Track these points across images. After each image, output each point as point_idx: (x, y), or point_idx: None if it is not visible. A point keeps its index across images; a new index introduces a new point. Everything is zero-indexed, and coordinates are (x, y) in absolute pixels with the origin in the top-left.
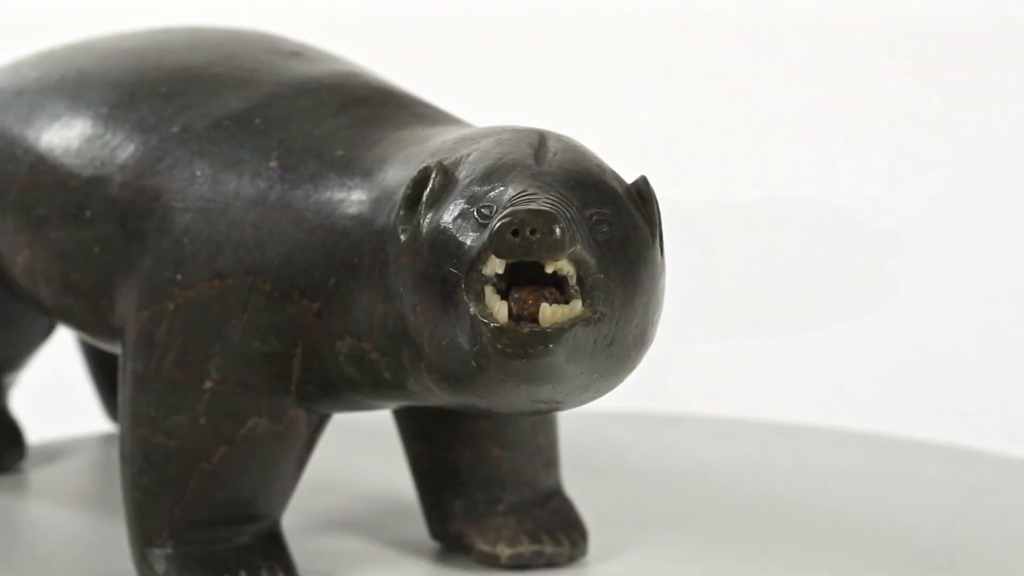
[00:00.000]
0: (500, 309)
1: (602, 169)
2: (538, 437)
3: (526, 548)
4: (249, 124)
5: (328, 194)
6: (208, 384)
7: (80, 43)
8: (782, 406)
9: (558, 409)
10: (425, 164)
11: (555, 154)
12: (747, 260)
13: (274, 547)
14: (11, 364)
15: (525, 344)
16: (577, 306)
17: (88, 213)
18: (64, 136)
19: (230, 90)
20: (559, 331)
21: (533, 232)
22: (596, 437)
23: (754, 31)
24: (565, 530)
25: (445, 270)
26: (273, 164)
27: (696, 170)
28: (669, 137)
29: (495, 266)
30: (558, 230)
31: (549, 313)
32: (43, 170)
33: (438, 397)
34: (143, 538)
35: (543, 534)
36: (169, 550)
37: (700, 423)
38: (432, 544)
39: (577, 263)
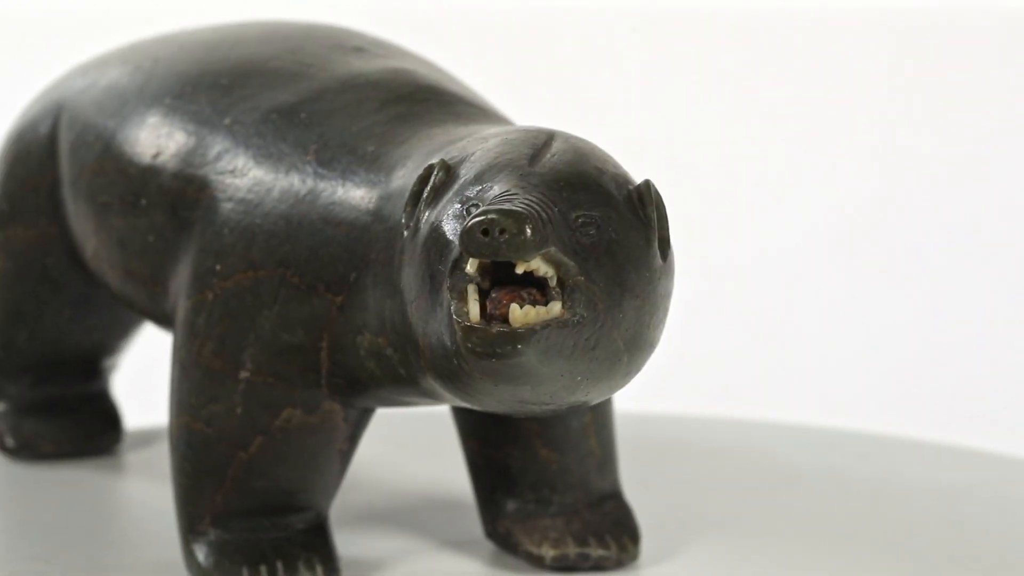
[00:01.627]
0: (473, 308)
1: (600, 172)
2: (589, 440)
3: (571, 550)
4: (294, 118)
5: (354, 189)
6: (244, 374)
7: (167, 34)
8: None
9: (550, 410)
10: (430, 161)
11: (554, 155)
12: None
13: (316, 539)
14: (105, 348)
15: (494, 344)
16: (555, 308)
17: (143, 202)
18: (128, 125)
19: (283, 84)
20: (529, 332)
21: (502, 232)
22: (658, 440)
23: (755, 30)
24: (614, 533)
25: (435, 268)
26: (309, 158)
27: (695, 170)
28: (668, 136)
29: (473, 265)
30: (528, 231)
31: (519, 314)
32: (108, 157)
33: (444, 396)
34: (186, 524)
35: (590, 536)
36: (210, 537)
37: (760, 428)
38: (485, 544)
39: (556, 265)
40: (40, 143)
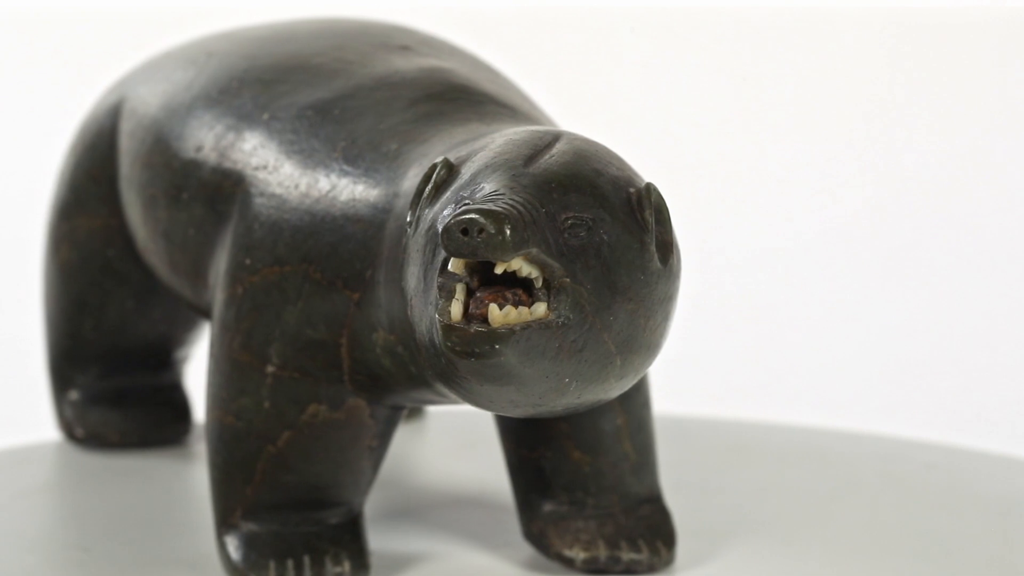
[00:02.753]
0: (454, 307)
1: (598, 174)
2: (623, 443)
3: (602, 552)
4: (328, 114)
5: (374, 186)
6: (270, 368)
7: (228, 30)
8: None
9: (544, 412)
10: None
11: (552, 156)
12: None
13: (346, 535)
14: (173, 340)
15: (472, 343)
16: (540, 309)
17: (185, 195)
18: (176, 118)
19: (322, 81)
20: (508, 333)
21: (481, 231)
22: (699, 444)
23: (755, 30)
24: (647, 538)
25: (428, 266)
26: (337, 155)
27: (695, 170)
28: (668, 136)
29: (456, 264)
30: (507, 231)
31: (498, 314)
32: (156, 150)
33: (449, 396)
34: (219, 517)
35: (622, 540)
36: (241, 530)
37: (804, 433)
38: (520, 545)
39: (541, 266)
40: (103, 135)
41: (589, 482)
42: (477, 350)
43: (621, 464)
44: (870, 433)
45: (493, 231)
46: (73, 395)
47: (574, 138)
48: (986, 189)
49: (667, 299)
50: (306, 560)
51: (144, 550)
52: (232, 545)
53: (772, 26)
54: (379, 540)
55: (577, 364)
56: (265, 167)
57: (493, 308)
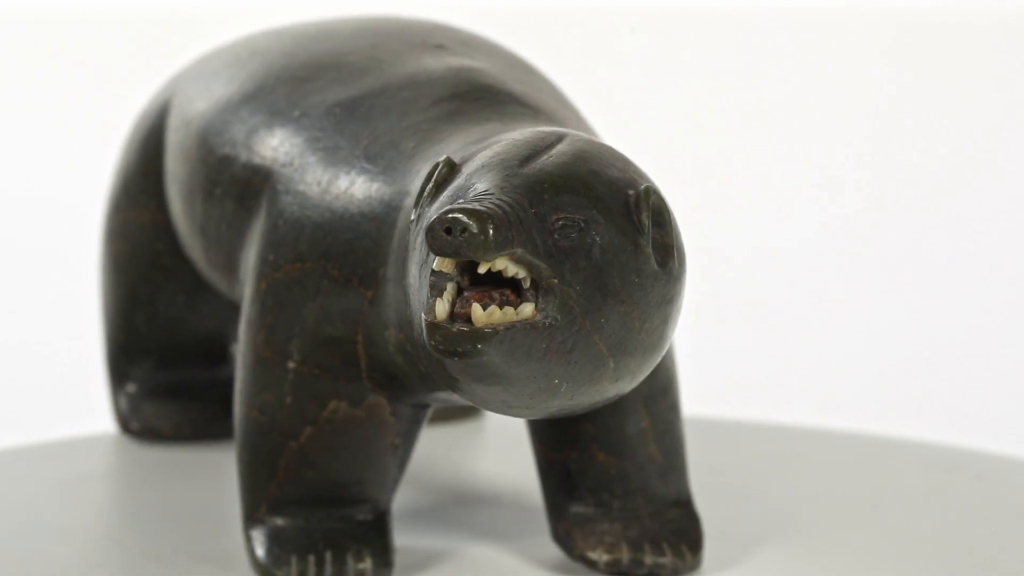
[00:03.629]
0: (439, 306)
1: (595, 175)
2: (648, 446)
3: (624, 555)
4: (355, 112)
5: (389, 184)
6: (291, 364)
7: (278, 27)
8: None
9: (538, 413)
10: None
11: (550, 157)
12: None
13: (370, 532)
14: (226, 335)
15: (454, 342)
16: (526, 309)
17: (218, 191)
18: (214, 113)
19: (353, 79)
20: (491, 332)
21: (464, 231)
22: (739, 448)
23: (755, 30)
24: (672, 541)
25: (423, 264)
26: (359, 152)
27: (694, 170)
28: (667, 136)
29: (441, 263)
30: (490, 230)
31: (481, 314)
32: (195, 145)
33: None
34: (246, 512)
35: (646, 543)
36: (266, 525)
37: (848, 439)
38: (547, 546)
39: (527, 266)
40: (152, 130)
41: (615, 484)
42: (459, 349)
43: (647, 467)
44: (913, 440)
45: (476, 230)
46: (129, 388)
47: (577, 139)
48: (986, 189)
49: (666, 302)
50: (328, 556)
51: (175, 543)
52: (257, 540)
53: (772, 26)
54: (410, 538)
55: (567, 365)
56: (291, 164)
57: (476, 308)
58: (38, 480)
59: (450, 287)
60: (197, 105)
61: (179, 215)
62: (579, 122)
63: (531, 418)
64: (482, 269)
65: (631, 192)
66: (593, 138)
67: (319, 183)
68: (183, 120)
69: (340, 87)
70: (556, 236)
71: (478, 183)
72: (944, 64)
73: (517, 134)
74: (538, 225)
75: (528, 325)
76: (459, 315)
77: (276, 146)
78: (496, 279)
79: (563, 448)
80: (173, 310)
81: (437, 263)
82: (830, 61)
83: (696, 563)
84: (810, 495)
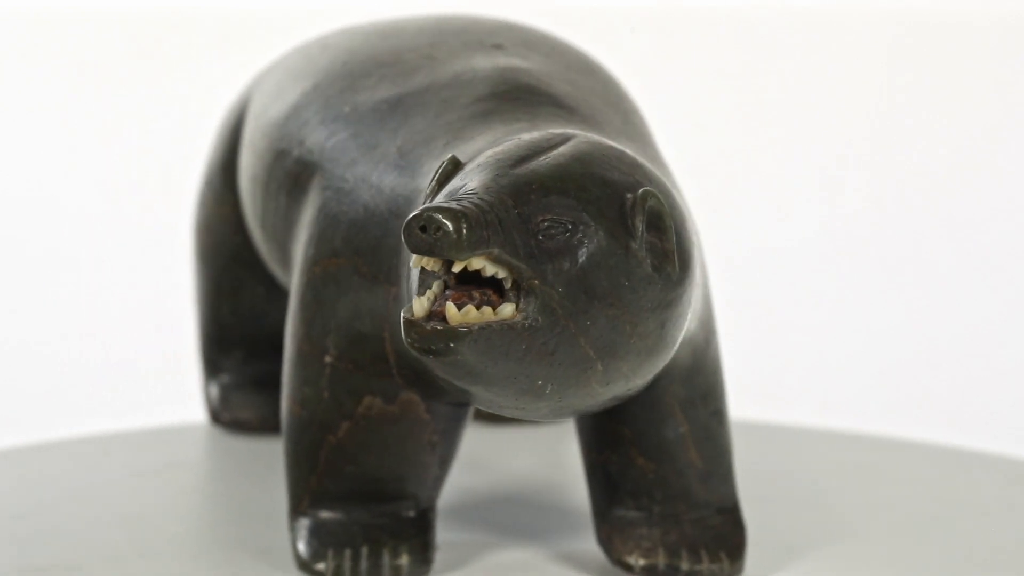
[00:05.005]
0: (416, 304)
1: (589, 177)
2: (688, 451)
3: (661, 560)
4: (397, 109)
5: (416, 181)
6: (328, 359)
7: (353, 24)
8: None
9: (531, 414)
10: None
11: (548, 158)
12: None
13: (409, 529)
14: None
15: (428, 340)
16: (506, 310)
17: (273, 184)
18: (277, 108)
19: (403, 76)
20: (463, 332)
21: (438, 229)
22: (802, 455)
23: (755, 30)
24: (710, 548)
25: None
26: (393, 149)
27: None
28: (667, 136)
29: (429, 263)
30: (463, 229)
31: (454, 313)
32: (258, 139)
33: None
34: (290, 505)
35: (684, 549)
36: (309, 518)
37: (919, 449)
38: (590, 550)
39: (507, 267)
40: (232, 126)
41: (654, 489)
42: (433, 347)
43: (687, 472)
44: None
45: (450, 229)
46: (219, 379)
47: (583, 141)
48: (986, 189)
49: (662, 306)
50: (364, 551)
51: (228, 534)
52: (299, 533)
53: (772, 26)
54: (453, 536)
55: (549, 367)
56: (336, 159)
57: (450, 306)
58: (121, 467)
59: (436, 285)
60: (266, 100)
61: (246, 209)
62: (625, 125)
63: (526, 419)
64: (456, 268)
65: (629, 195)
66: (604, 141)
67: (355, 178)
68: (254, 114)
69: (390, 84)
70: (540, 237)
71: (469, 182)
72: (944, 64)
73: (527, 135)
74: (521, 226)
75: (506, 326)
76: (436, 313)
77: (323, 141)
78: (483, 279)
79: (603, 451)
80: (255, 302)
81: (414, 261)
82: (830, 61)
83: (735, 571)
84: (859, 502)
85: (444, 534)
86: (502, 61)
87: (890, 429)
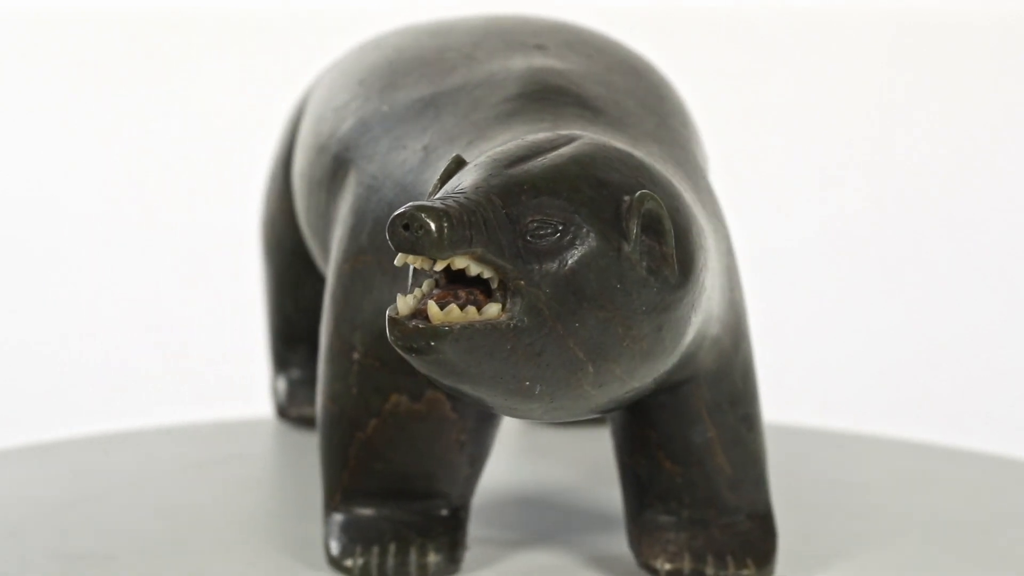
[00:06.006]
0: (400, 302)
1: (585, 179)
2: (715, 456)
3: (686, 565)
4: (429, 108)
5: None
6: (356, 355)
7: (414, 23)
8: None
9: (526, 415)
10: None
11: (547, 159)
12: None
13: (439, 527)
14: None
15: (409, 338)
16: (491, 310)
17: (315, 181)
18: (323, 105)
19: (441, 75)
20: (445, 331)
21: (420, 227)
22: (847, 461)
23: (755, 30)
24: (737, 554)
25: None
26: (419, 147)
27: None
28: None
29: (414, 260)
30: (444, 228)
31: (436, 311)
32: (305, 135)
33: None
34: (324, 501)
35: (709, 554)
36: (341, 514)
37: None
38: (621, 554)
39: (492, 267)
40: (293, 122)
41: (683, 493)
42: (414, 345)
43: (715, 477)
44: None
45: (432, 227)
46: (288, 374)
47: (586, 143)
48: (986, 189)
49: (658, 310)
50: (391, 548)
51: (270, 528)
52: (331, 529)
53: (772, 26)
54: (486, 535)
55: (537, 368)
56: (369, 156)
57: (431, 305)
58: (181, 459)
59: (426, 284)
60: (319, 96)
61: (297, 205)
62: (659, 128)
63: (522, 419)
64: (438, 267)
65: (627, 198)
66: (610, 143)
67: (383, 176)
68: (308, 111)
69: (427, 83)
70: (529, 238)
71: (463, 181)
72: (944, 64)
73: (532, 135)
74: (509, 226)
75: (489, 326)
76: (420, 312)
77: (358, 137)
78: (475, 279)
79: (633, 454)
80: (316, 298)
81: (398, 259)
82: (830, 61)
83: None
84: (916, 515)
85: (476, 533)
86: (538, 62)
87: (890, 429)
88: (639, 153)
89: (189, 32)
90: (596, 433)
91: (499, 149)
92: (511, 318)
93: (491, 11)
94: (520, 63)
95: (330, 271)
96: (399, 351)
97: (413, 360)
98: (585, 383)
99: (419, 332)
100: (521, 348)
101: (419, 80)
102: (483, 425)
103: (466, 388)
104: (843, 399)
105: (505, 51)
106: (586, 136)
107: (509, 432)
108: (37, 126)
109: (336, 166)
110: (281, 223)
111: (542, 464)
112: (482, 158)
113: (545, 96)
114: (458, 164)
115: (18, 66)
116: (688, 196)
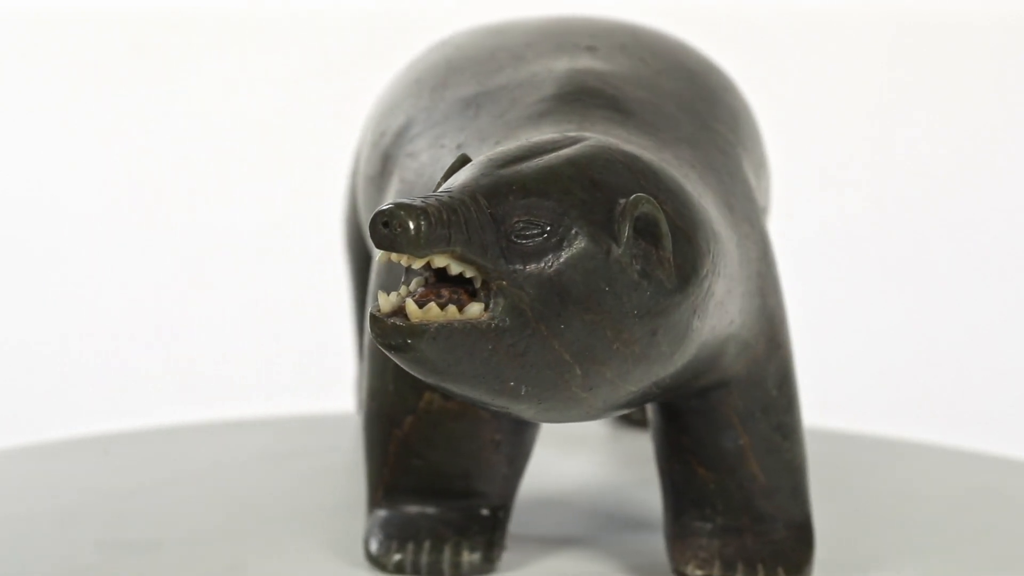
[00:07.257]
0: (382, 299)
1: (580, 180)
2: (748, 464)
3: (715, 572)
4: (471, 107)
5: None
6: None
7: (483, 23)
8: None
9: (520, 414)
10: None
11: (545, 160)
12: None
13: (476, 526)
14: None
15: (388, 335)
16: (473, 309)
17: (367, 177)
18: (381, 104)
19: (487, 75)
20: (422, 329)
21: (399, 225)
22: (896, 471)
23: (755, 30)
24: (768, 563)
25: None
26: (454, 146)
27: None
28: None
29: (395, 258)
30: (422, 227)
31: (414, 310)
32: (364, 132)
33: None
34: (368, 497)
35: (740, 562)
36: (382, 510)
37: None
38: (657, 561)
39: (474, 266)
40: (368, 121)
41: (716, 499)
42: (392, 343)
43: (748, 485)
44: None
45: (410, 226)
46: None
47: (589, 144)
48: (986, 189)
49: (652, 314)
50: (426, 545)
51: (319, 523)
52: (371, 524)
53: (772, 26)
54: (530, 535)
55: (520, 369)
56: (412, 153)
57: (409, 303)
58: (251, 451)
59: (414, 283)
60: (382, 93)
61: (358, 201)
62: (699, 132)
63: (518, 420)
64: (416, 265)
65: (622, 200)
66: (617, 145)
67: (421, 174)
68: (372, 108)
69: (475, 82)
70: (514, 238)
71: (455, 180)
72: (944, 64)
73: (539, 135)
74: (493, 226)
75: (469, 325)
76: (400, 310)
77: (404, 134)
78: (464, 278)
79: (668, 459)
80: None
81: (380, 256)
82: (830, 61)
83: None
84: (955, 525)
85: (516, 532)
86: (581, 63)
87: (890, 429)
88: (649, 156)
89: (189, 32)
90: (645, 433)
91: (499, 149)
92: (492, 318)
93: (559, 11)
94: (563, 64)
95: (372, 267)
96: (382, 347)
97: (394, 357)
98: (573, 385)
99: (397, 329)
100: (503, 348)
101: (469, 79)
102: (520, 426)
103: (450, 387)
104: (843, 399)
105: (554, 52)
106: (593, 138)
107: (556, 430)
108: (37, 126)
109: (384, 162)
110: (355, 223)
111: (590, 463)
112: (480, 157)
113: (578, 98)
114: (462, 163)
115: (18, 66)
116: (706, 201)
